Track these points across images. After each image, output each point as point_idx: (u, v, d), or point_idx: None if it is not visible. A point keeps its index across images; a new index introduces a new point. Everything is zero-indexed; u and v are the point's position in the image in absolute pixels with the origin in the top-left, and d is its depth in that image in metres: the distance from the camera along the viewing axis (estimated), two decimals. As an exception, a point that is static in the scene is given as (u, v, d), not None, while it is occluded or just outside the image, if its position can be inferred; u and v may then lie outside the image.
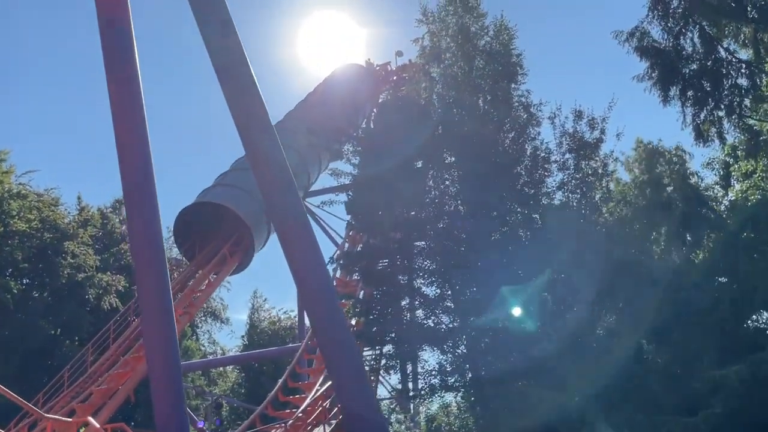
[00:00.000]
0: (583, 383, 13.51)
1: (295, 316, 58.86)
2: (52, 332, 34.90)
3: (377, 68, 48.21)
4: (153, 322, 9.36)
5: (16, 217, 33.39)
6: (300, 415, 17.00)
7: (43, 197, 36.78)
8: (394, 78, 47.01)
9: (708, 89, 15.29)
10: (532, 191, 20.36)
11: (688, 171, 24.46)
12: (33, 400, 23.97)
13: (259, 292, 59.49)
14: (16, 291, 31.30)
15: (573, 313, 15.44)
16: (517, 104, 21.39)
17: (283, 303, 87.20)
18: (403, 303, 20.92)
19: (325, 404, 17.12)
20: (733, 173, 21.58)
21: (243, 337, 56.53)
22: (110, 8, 9.49)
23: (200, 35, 9.92)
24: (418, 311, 20.67)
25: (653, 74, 15.88)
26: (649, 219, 15.72)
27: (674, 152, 19.83)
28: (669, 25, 15.35)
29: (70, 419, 8.52)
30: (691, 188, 16.11)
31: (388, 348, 21.20)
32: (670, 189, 16.82)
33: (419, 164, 22.15)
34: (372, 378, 23.66)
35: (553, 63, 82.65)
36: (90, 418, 8.61)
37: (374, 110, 43.64)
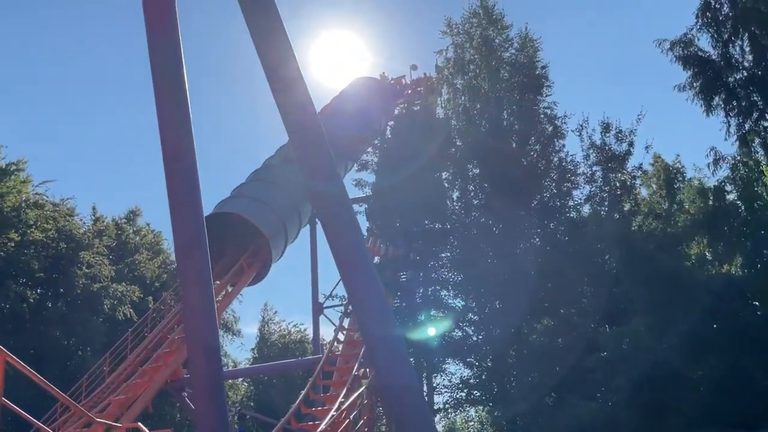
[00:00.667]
0: (633, 395, 13.24)
1: (305, 329, 58.78)
2: (66, 342, 34.78)
3: (392, 81, 48.36)
4: (195, 327, 9.23)
5: (33, 226, 33.38)
6: (324, 428, 16.80)
7: (59, 207, 36.79)
8: (409, 91, 47.15)
9: (755, 99, 15.14)
10: (559, 203, 20.25)
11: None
12: (51, 410, 23.82)
13: (270, 304, 59.30)
14: (32, 300, 31.20)
15: (622, 325, 15.22)
16: (542, 116, 21.32)
17: (293, 316, 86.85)
18: (427, 316, 20.70)
19: (350, 416, 16.91)
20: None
21: (253, 349, 56.30)
22: (158, 15, 9.43)
23: (249, 34, 9.87)
24: (442, 323, 20.46)
25: (696, 84, 15.76)
26: (711, 226, 15.46)
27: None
28: (718, 32, 15.20)
29: (120, 424, 8.38)
30: (758, 196, 15.85)
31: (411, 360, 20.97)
32: (734, 195, 16.59)
33: (442, 175, 22.07)
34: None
35: (578, 73, 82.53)
36: (140, 425, 8.50)
37: (390, 123, 43.68)
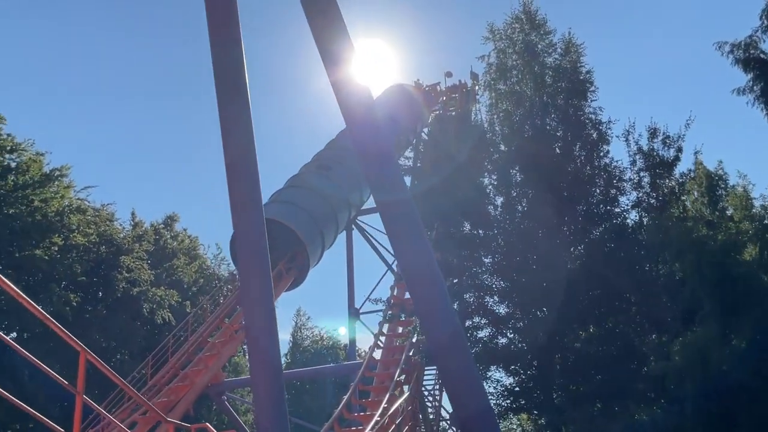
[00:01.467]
0: (700, 404, 12.98)
1: (337, 335, 58.96)
2: (106, 345, 35.27)
3: (426, 88, 48.40)
4: (257, 327, 9.29)
5: (76, 230, 33.95)
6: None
7: (101, 212, 37.38)
8: (444, 98, 47.16)
9: (819, 103, 14.90)
10: (606, 209, 20.02)
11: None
12: (95, 412, 24.16)
13: (302, 310, 59.63)
14: (74, 303, 31.72)
15: (678, 333, 15.01)
16: (587, 122, 21.13)
17: (325, 321, 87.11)
18: (468, 323, 20.59)
19: (396, 421, 16.81)
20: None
21: (286, 355, 56.59)
22: (221, 19, 9.55)
23: (309, 30, 9.95)
24: (484, 330, 20.35)
25: (756, 87, 15.50)
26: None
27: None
28: None
29: (190, 425, 8.49)
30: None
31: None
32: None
33: (484, 181, 21.99)
34: (437, 398, 23.35)
35: (623, 77, 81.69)
36: (208, 425, 8.59)
37: (425, 129, 43.71)
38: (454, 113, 27.32)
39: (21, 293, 6.45)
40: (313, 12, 9.79)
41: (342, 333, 34.67)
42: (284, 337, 61.22)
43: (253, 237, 9.68)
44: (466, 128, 24.22)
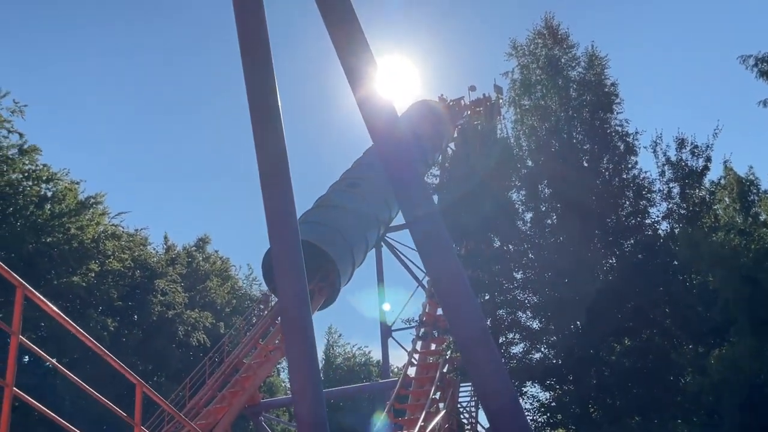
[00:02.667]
0: (737, 419, 12.94)
1: (369, 352, 59.06)
2: (143, 368, 35.82)
3: (451, 103, 48.66)
4: (295, 345, 9.56)
5: (111, 256, 34.68)
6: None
7: (135, 237, 38.14)
8: (468, 112, 47.33)
9: None
10: (636, 221, 19.97)
11: None
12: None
13: (334, 327, 59.85)
14: (112, 328, 32.33)
15: (714, 347, 14.94)
16: (613, 134, 21.14)
17: (357, 339, 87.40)
18: (502, 339, 20.60)
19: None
20: None
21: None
22: (251, 37, 9.90)
23: (335, 52, 10.27)
24: (518, 346, 20.35)
25: (781, 98, 15.56)
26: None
27: None
28: None
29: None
30: None
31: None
32: None
33: (512, 196, 22.08)
34: (474, 414, 23.39)
35: (649, 89, 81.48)
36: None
37: (450, 144, 43.91)
38: (479, 127, 27.46)
39: (81, 330, 6.78)
40: (336, 31, 10.10)
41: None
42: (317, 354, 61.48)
43: (290, 250, 9.98)
44: (492, 143, 24.36)
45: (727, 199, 26.97)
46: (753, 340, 13.22)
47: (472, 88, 48.82)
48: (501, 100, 39.16)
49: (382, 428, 20.23)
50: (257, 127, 10.05)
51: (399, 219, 39.33)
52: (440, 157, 41.83)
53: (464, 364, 9.96)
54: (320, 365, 57.82)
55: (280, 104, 10.19)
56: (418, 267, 37.19)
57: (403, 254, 37.53)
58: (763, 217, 22.62)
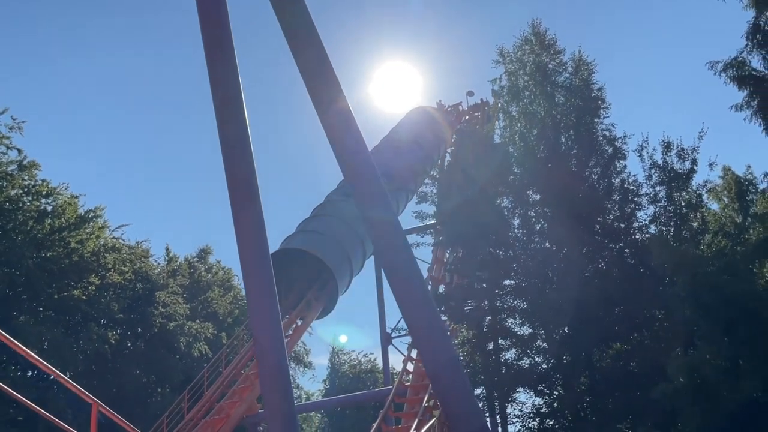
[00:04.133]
0: (702, 424, 12.98)
1: (375, 359, 59.07)
2: (146, 380, 35.98)
3: (449, 109, 48.73)
4: (267, 363, 9.64)
5: (112, 269, 34.87)
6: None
7: (135, 249, 38.33)
8: (466, 117, 47.39)
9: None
10: (624, 225, 19.98)
11: None
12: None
13: (339, 335, 59.86)
14: (113, 341, 32.50)
15: (689, 350, 14.94)
16: (601, 138, 21.18)
17: (363, 346, 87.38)
18: (490, 346, 20.64)
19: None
20: None
21: (325, 381, 56.87)
22: (217, 50, 10.03)
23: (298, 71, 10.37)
24: (509, 352, 20.37)
25: (753, 103, 15.52)
26: (760, 254, 15.12)
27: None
28: None
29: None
30: None
31: (479, 390, 20.94)
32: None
33: (503, 202, 22.12)
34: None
35: (635, 93, 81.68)
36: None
37: (448, 150, 43.96)
38: (475, 134, 27.53)
39: (29, 351, 6.90)
40: (304, 64, 10.22)
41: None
42: (323, 362, 61.64)
43: (258, 261, 10.03)
44: (488, 148, 24.42)
45: (725, 199, 26.94)
46: (713, 346, 13.26)
47: (470, 94, 48.91)
48: (499, 105, 39.25)
49: None
50: (224, 132, 10.08)
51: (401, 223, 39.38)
52: (438, 164, 41.91)
53: (435, 391, 9.98)
54: (326, 373, 57.96)
55: (248, 125, 10.27)
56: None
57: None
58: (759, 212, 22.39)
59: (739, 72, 15.40)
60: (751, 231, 20.77)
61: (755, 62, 15.60)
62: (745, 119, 15.86)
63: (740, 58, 15.51)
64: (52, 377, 32.51)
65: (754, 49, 15.41)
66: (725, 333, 13.76)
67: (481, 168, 22.40)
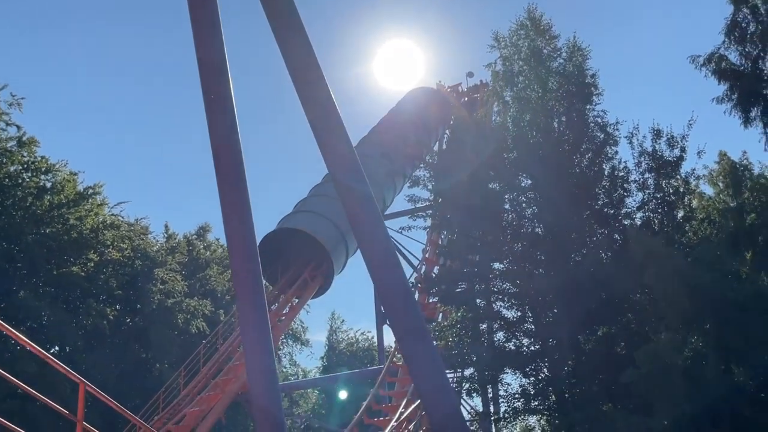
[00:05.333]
0: (671, 408, 13.37)
1: (372, 337, 59.70)
2: (144, 356, 36.51)
3: (448, 90, 48.77)
4: (251, 339, 9.88)
5: (111, 246, 35.23)
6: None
7: (134, 227, 38.67)
8: (466, 99, 47.44)
9: (790, 110, 15.09)
10: (612, 211, 20.23)
11: None
12: (131, 423, 25.28)
13: (337, 313, 60.49)
14: (111, 317, 32.94)
15: (659, 337, 15.27)
16: (593, 124, 21.35)
17: (360, 324, 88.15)
18: (483, 326, 21.02)
19: (410, 427, 17.43)
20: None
21: (322, 358, 57.51)
22: (206, 41, 10.17)
23: (286, 68, 10.50)
24: (498, 334, 20.75)
25: (732, 96, 15.70)
26: (733, 245, 15.42)
27: (762, 175, 19.22)
28: (746, 49, 15.25)
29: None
30: None
31: (469, 371, 21.35)
32: (753, 215, 16.36)
33: (495, 186, 22.34)
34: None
35: (628, 78, 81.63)
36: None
37: (447, 131, 44.08)
38: (476, 114, 27.64)
39: (18, 334, 7.20)
40: (290, 58, 10.35)
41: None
42: (321, 339, 62.26)
43: (246, 249, 10.17)
44: (483, 132, 24.53)
45: (720, 184, 27.13)
46: (676, 334, 13.61)
47: (470, 75, 48.95)
48: (500, 84, 39.28)
49: None
50: (212, 124, 10.17)
51: (393, 207, 39.71)
52: (436, 145, 42.07)
53: (411, 375, 10.19)
54: (323, 351, 58.62)
55: (235, 114, 10.41)
56: (414, 255, 37.65)
57: (397, 241, 37.82)
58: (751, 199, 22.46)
59: (718, 66, 15.58)
60: (744, 216, 20.97)
61: (733, 57, 15.79)
62: (725, 112, 16.10)
63: (718, 54, 15.69)
64: (52, 349, 33.04)
65: (731, 45, 15.59)
66: (690, 322, 14.12)
67: (476, 152, 22.56)
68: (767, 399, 13.72)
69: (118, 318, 34.84)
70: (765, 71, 15.47)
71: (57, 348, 33.26)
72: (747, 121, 15.89)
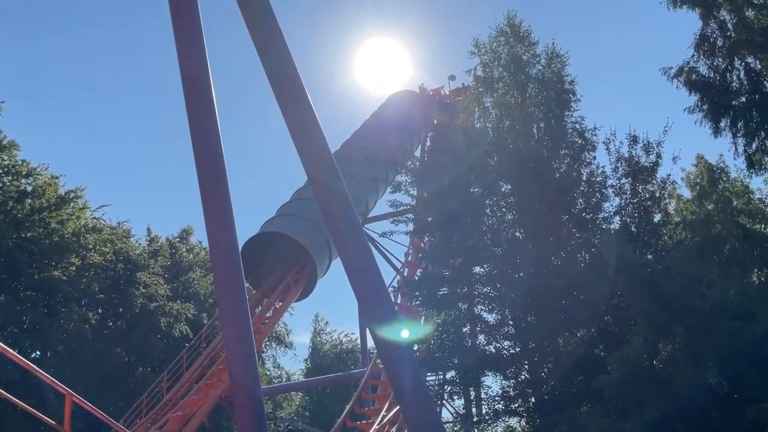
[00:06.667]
0: (643, 412, 13.72)
1: (356, 339, 59.79)
2: (127, 359, 36.41)
3: (430, 93, 49.07)
4: (233, 343, 10.07)
5: (93, 250, 35.10)
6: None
7: (116, 230, 38.53)
8: (448, 101, 47.74)
9: (758, 120, 15.47)
10: (590, 216, 20.58)
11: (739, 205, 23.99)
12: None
13: (321, 315, 60.50)
14: (93, 321, 32.84)
15: (631, 341, 15.62)
16: (571, 130, 21.70)
17: (344, 325, 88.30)
18: (465, 330, 21.28)
19: (392, 430, 17.64)
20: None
21: (306, 360, 57.51)
22: (187, 39, 10.34)
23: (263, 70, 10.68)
24: (479, 337, 21.02)
25: (703, 107, 16.12)
26: (701, 253, 15.83)
27: (728, 186, 19.62)
28: (715, 63, 15.68)
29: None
30: (741, 227, 16.03)
31: (451, 374, 21.60)
32: (719, 227, 16.77)
33: (476, 191, 22.62)
34: (436, 403, 24.06)
35: (605, 84, 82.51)
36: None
37: (429, 134, 44.36)
38: (458, 117, 27.91)
39: (7, 348, 7.33)
40: (267, 60, 10.53)
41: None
42: (304, 341, 62.30)
43: (228, 254, 10.32)
44: (470, 133, 24.80)
45: (699, 187, 27.58)
46: (648, 338, 13.97)
47: (452, 77, 49.23)
48: (480, 90, 39.63)
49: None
50: (193, 122, 10.30)
51: (377, 210, 39.91)
52: (419, 147, 42.33)
53: (390, 379, 10.36)
54: (307, 353, 58.63)
55: (217, 117, 10.57)
56: (397, 258, 37.87)
57: (381, 245, 38.06)
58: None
59: (689, 78, 16.00)
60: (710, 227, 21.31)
61: (703, 70, 16.21)
62: (696, 122, 16.53)
63: (689, 67, 16.11)
64: (33, 355, 32.86)
65: (701, 58, 16.01)
66: (661, 328, 14.48)
67: (457, 157, 22.85)
68: (736, 401, 14.12)
69: (100, 322, 34.73)
70: (733, 83, 15.93)
71: (38, 353, 33.10)
72: (717, 131, 16.33)
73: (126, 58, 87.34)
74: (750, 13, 15.81)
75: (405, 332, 10.08)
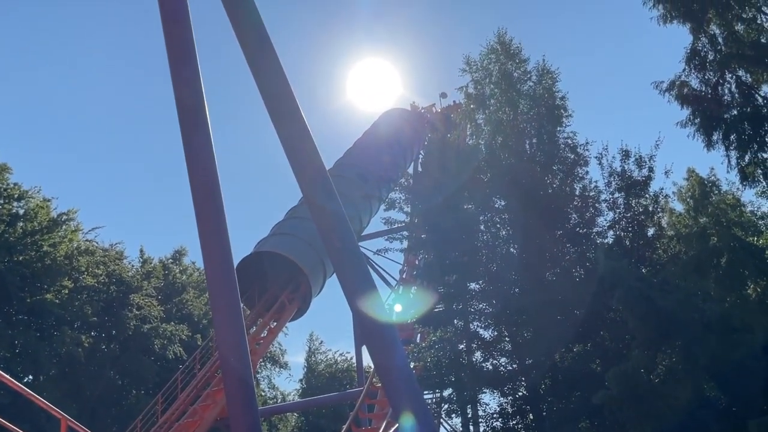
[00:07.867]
0: (643, 427, 13.65)
1: (351, 358, 59.42)
2: (120, 382, 36.10)
3: (422, 110, 49.26)
4: (229, 362, 9.97)
5: (85, 272, 34.90)
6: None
7: (109, 252, 38.36)
8: (440, 119, 47.91)
9: (750, 133, 15.61)
10: (584, 231, 20.62)
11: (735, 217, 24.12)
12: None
13: (315, 334, 60.10)
14: (86, 344, 32.58)
15: (628, 356, 15.59)
16: (563, 145, 21.80)
17: (339, 344, 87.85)
18: (461, 347, 21.20)
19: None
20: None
21: (301, 380, 57.09)
22: (181, 58, 10.35)
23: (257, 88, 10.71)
24: (476, 354, 20.93)
25: (695, 120, 16.28)
26: (697, 267, 15.87)
27: (722, 199, 19.73)
28: (706, 76, 15.88)
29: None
30: (737, 239, 16.09)
31: (448, 391, 21.47)
32: (715, 239, 16.84)
33: (470, 207, 22.64)
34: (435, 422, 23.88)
35: (597, 99, 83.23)
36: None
37: (421, 152, 44.46)
38: (450, 135, 27.99)
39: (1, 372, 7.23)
40: (262, 82, 10.56)
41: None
42: (299, 360, 61.86)
43: (223, 272, 10.24)
44: (462, 150, 24.89)
45: (690, 201, 27.70)
46: (644, 355, 13.94)
47: (443, 95, 49.42)
48: (472, 107, 39.84)
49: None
50: (188, 142, 10.28)
51: (371, 228, 39.87)
52: (411, 165, 42.41)
53: (388, 396, 10.29)
54: (302, 373, 58.23)
55: (208, 120, 10.53)
56: (392, 276, 37.77)
57: (375, 263, 37.94)
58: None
59: (680, 92, 16.15)
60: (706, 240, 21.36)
61: (694, 83, 16.38)
62: (688, 135, 16.68)
63: (680, 81, 16.29)
64: (26, 379, 32.52)
65: (692, 72, 16.19)
66: (659, 342, 14.46)
67: (450, 174, 22.90)
68: (735, 414, 14.09)
69: (93, 345, 34.44)
70: (724, 96, 16.09)
71: (31, 377, 32.77)
72: (709, 145, 16.47)
73: (118, 77, 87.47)
74: (740, 27, 16.05)
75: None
